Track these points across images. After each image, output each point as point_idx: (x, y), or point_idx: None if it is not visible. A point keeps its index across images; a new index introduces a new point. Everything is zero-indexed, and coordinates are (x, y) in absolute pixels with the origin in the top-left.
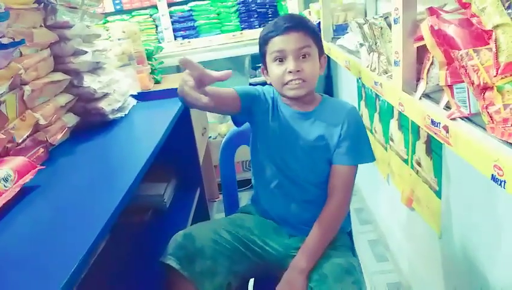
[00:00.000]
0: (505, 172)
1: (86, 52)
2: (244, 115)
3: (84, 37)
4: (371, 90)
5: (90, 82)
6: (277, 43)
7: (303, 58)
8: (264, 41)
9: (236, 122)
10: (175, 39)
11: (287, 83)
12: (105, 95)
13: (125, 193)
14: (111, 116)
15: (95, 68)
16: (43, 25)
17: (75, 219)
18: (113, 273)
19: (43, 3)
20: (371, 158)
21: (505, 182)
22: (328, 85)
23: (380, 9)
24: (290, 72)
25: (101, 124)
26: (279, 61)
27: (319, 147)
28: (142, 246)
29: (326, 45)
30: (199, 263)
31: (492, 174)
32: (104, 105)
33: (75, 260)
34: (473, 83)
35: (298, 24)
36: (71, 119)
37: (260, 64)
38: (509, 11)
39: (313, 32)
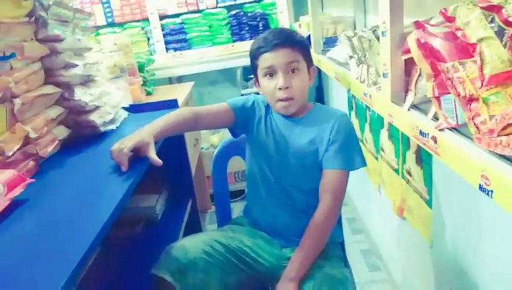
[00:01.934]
0: (492, 182)
1: (77, 65)
2: (240, 126)
3: (76, 50)
4: (361, 101)
5: (81, 95)
6: (267, 59)
7: (292, 72)
8: (254, 56)
9: (234, 134)
10: (167, 51)
11: (278, 100)
12: (97, 107)
13: (116, 205)
14: (102, 129)
15: (86, 81)
16: (34, 38)
17: (64, 232)
18: (104, 287)
19: (34, 17)
20: (361, 163)
21: (492, 191)
22: (319, 96)
23: (369, 22)
24: (280, 88)
25: (93, 137)
26: (270, 75)
27: (309, 152)
28: (133, 259)
29: (317, 57)
30: (191, 275)
31: (480, 184)
32: (95, 118)
33: (65, 274)
34: (459, 95)
35: (286, 40)
36: (62, 132)
37: (252, 76)
38: (492, 24)
39: (301, 46)
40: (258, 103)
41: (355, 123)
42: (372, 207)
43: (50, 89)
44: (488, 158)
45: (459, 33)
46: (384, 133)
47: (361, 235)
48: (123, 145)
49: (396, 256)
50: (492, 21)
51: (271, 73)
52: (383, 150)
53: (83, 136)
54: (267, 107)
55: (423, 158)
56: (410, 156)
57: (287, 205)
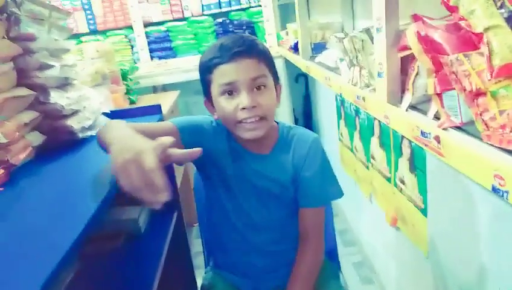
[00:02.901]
0: (507, 182)
1: (53, 66)
2: None
3: (52, 50)
4: (350, 108)
5: (57, 98)
6: (225, 73)
7: (258, 89)
8: (207, 69)
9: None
10: (151, 59)
11: (240, 122)
12: (75, 112)
13: (90, 218)
14: (80, 135)
15: (63, 84)
16: (5, 36)
17: (32, 247)
18: None
19: (5, 14)
20: (339, 194)
21: (507, 192)
22: (307, 105)
23: (358, 26)
24: (244, 108)
25: (70, 143)
26: (229, 94)
27: (283, 190)
28: (115, 275)
29: (305, 63)
30: None
31: (493, 185)
32: (73, 123)
33: None
34: (464, 89)
35: (250, 48)
36: (36, 138)
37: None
38: (502, 10)
39: (267, 57)
40: (219, 127)
41: (344, 132)
42: (364, 218)
43: (23, 91)
44: (502, 156)
45: (463, 23)
46: (374, 141)
47: (354, 248)
48: (141, 161)
49: (390, 268)
50: (502, 6)
51: (230, 91)
52: (373, 158)
53: (59, 142)
54: (229, 134)
55: (417, 165)
56: (403, 163)
57: (260, 248)
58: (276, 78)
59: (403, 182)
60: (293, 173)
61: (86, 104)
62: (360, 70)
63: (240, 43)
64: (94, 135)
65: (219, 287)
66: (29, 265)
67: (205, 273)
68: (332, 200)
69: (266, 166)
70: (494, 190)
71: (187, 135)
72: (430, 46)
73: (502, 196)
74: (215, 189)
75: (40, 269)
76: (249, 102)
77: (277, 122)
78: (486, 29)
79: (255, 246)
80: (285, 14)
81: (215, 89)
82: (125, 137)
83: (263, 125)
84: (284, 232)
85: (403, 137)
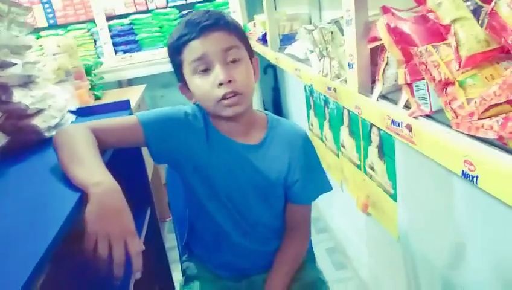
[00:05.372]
0: (477, 167)
1: (15, 64)
2: (157, 151)
3: (13, 47)
4: (319, 98)
5: (20, 97)
6: (195, 48)
7: (232, 63)
8: (176, 50)
9: (154, 157)
10: (115, 54)
11: (220, 100)
12: (40, 111)
13: (64, 220)
14: (47, 134)
15: (26, 82)
16: None
17: (4, 250)
18: None
19: None
20: (329, 188)
21: (477, 177)
22: (276, 96)
23: (325, 17)
24: (221, 83)
25: (36, 143)
26: (202, 72)
27: (273, 184)
28: (89, 272)
29: (274, 54)
30: None
31: (463, 171)
32: (39, 122)
33: None
34: (434, 79)
35: (218, 20)
36: (0, 139)
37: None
38: (468, 3)
39: (237, 30)
40: (194, 118)
41: (314, 122)
42: (335, 205)
43: None
44: (471, 143)
45: (431, 15)
46: (344, 130)
47: (326, 234)
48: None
49: (363, 253)
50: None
51: (204, 69)
52: (343, 147)
53: (25, 142)
54: (207, 124)
55: (385, 152)
56: (372, 151)
57: (249, 242)
58: (250, 52)
59: (372, 169)
60: (287, 169)
61: (51, 102)
62: (330, 62)
63: (207, 17)
64: None
65: (205, 278)
66: (1, 272)
67: (183, 262)
68: (323, 193)
69: (256, 157)
70: (464, 175)
71: (151, 131)
72: (400, 37)
73: (472, 180)
74: (192, 187)
75: (14, 276)
76: (224, 76)
77: (265, 113)
78: (454, 21)
79: (238, 245)
80: (252, 5)
81: (187, 69)
82: (105, 189)
83: (242, 100)
84: (268, 230)
85: (371, 125)
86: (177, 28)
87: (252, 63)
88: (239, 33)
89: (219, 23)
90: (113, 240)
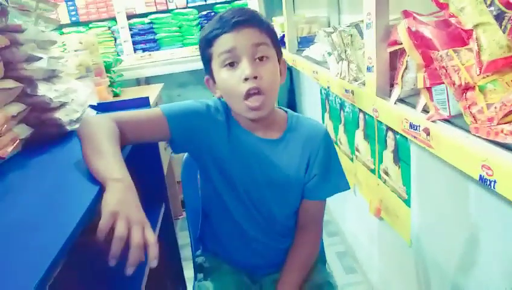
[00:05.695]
0: (495, 172)
1: (41, 58)
2: (180, 144)
3: (39, 42)
4: (335, 102)
5: (45, 91)
6: (226, 41)
7: (260, 60)
8: (207, 43)
9: (174, 150)
10: (135, 52)
11: (246, 98)
12: (63, 104)
13: (85, 210)
14: (69, 128)
15: (51, 76)
16: None
17: (26, 241)
18: None
19: None
20: (347, 187)
21: (495, 182)
22: (291, 98)
23: (343, 21)
24: (247, 78)
25: (58, 136)
26: (230, 65)
27: (291, 179)
28: (103, 267)
29: (291, 56)
30: None
31: (481, 175)
32: (61, 115)
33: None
34: (454, 84)
35: (251, 18)
36: (24, 131)
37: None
38: (491, 8)
39: (269, 28)
40: (215, 111)
41: (329, 125)
42: (348, 209)
43: (10, 83)
44: (489, 148)
45: (453, 20)
46: (359, 134)
47: (337, 238)
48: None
49: (373, 257)
50: (491, 4)
51: (232, 62)
52: (358, 151)
53: (47, 135)
54: (228, 118)
55: (401, 157)
56: (387, 155)
57: (266, 236)
58: (279, 53)
59: (387, 173)
60: (306, 165)
61: (74, 96)
62: (348, 65)
63: (241, 13)
64: None
65: (224, 270)
66: (21, 262)
67: (197, 256)
68: (340, 192)
69: (275, 152)
70: (482, 179)
71: (177, 124)
72: (421, 41)
73: (489, 185)
74: (211, 179)
75: (32, 267)
76: (250, 71)
77: (285, 110)
78: (476, 26)
79: (253, 240)
80: (270, 8)
81: (215, 62)
82: (122, 186)
83: (266, 101)
84: (285, 228)
85: (387, 130)
86: (210, 22)
87: (279, 64)
88: (270, 32)
89: (252, 20)
90: (133, 222)
